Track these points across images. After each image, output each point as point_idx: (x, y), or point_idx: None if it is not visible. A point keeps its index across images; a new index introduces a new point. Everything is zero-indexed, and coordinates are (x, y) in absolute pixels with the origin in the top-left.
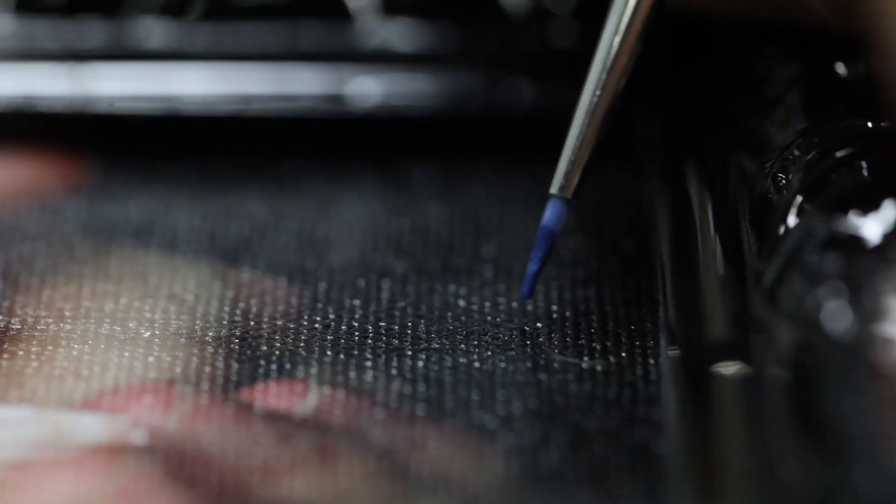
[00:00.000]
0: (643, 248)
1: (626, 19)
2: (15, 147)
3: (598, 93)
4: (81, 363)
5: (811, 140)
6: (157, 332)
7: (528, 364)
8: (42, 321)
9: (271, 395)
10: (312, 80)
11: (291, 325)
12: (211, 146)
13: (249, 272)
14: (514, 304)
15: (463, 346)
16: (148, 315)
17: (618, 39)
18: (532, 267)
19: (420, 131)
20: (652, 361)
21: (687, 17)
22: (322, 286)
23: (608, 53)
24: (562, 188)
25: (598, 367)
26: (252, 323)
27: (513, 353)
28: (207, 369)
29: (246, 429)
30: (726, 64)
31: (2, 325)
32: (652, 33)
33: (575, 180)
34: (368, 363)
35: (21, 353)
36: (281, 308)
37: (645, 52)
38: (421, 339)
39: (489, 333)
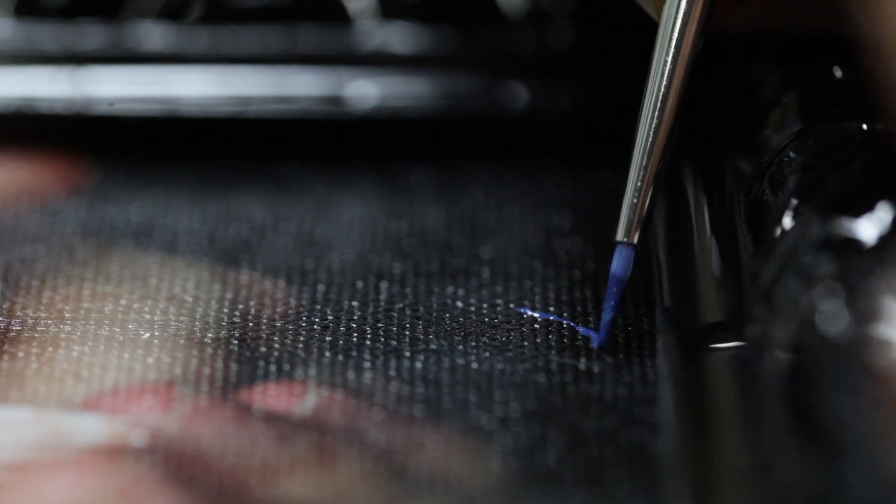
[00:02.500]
0: (640, 248)
1: (670, 60)
2: (15, 149)
3: (651, 135)
4: (81, 364)
5: (807, 142)
6: (157, 334)
7: (526, 365)
8: (42, 322)
9: (270, 396)
10: (311, 83)
11: (290, 327)
12: (210, 148)
13: (248, 273)
14: (512, 306)
15: (461, 347)
16: (147, 316)
17: (665, 81)
18: (607, 317)
19: (418, 133)
20: (649, 362)
21: (728, 37)
22: (320, 287)
23: (657, 95)
24: (627, 234)
25: (595, 368)
26: (251, 324)
27: (510, 354)
28: (207, 370)
29: (245, 429)
30: (722, 66)
31: (2, 326)
32: (698, 66)
33: (638, 224)
34: (367, 364)
35: (21, 354)
36: (280, 309)
37: (693, 84)
38: (419, 340)
39: (487, 334)
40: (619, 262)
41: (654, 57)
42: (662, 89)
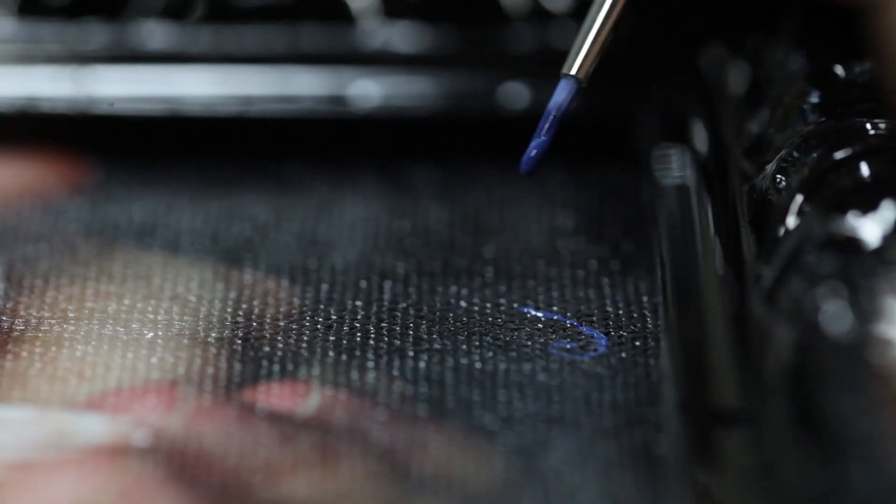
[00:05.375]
0: (643, 248)
1: None
2: (18, 148)
3: None
4: (84, 364)
5: (810, 141)
6: (160, 333)
7: (529, 365)
8: (45, 322)
9: (273, 396)
10: (313, 82)
11: (293, 326)
12: (213, 147)
13: (251, 273)
14: (515, 305)
15: (464, 346)
16: (151, 316)
17: None
18: (537, 143)
19: (420, 132)
20: (652, 362)
21: None
22: (324, 287)
23: None
24: (579, 68)
25: (599, 368)
26: (254, 324)
27: (514, 353)
28: (210, 370)
29: (248, 429)
30: (726, 65)
31: (6, 325)
32: None
33: (590, 62)
34: (370, 364)
35: (24, 353)
36: (283, 309)
37: None
38: (422, 339)
39: (490, 334)
40: (563, 93)
41: None
42: None
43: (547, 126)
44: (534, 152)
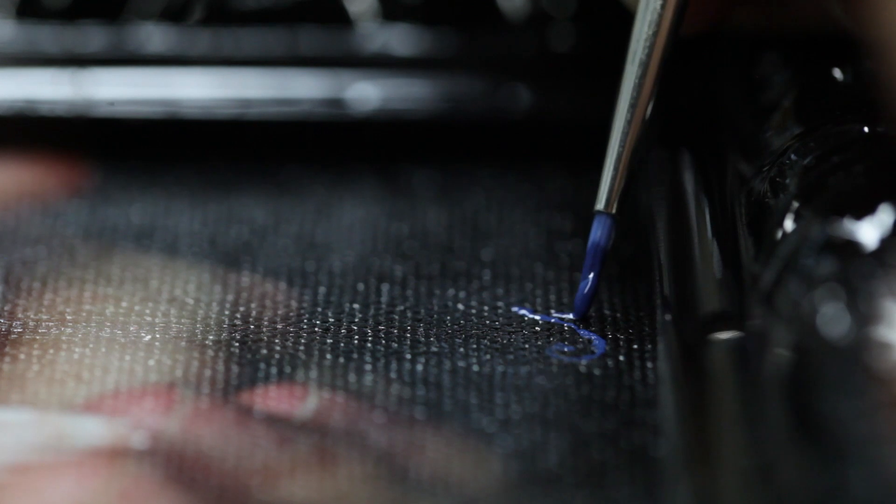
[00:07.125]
0: (641, 251)
1: (651, 33)
2: (16, 151)
3: (632, 106)
4: (82, 366)
5: (808, 144)
6: (158, 336)
7: (527, 367)
8: (43, 324)
9: (271, 399)
10: (312, 85)
11: (291, 329)
12: (211, 150)
13: (249, 276)
14: (513, 308)
15: (462, 349)
16: (148, 318)
17: (647, 51)
18: (585, 286)
19: (419, 135)
20: (650, 364)
21: (722, 30)
22: (321, 290)
23: (639, 67)
24: (607, 204)
25: (597, 371)
26: (252, 326)
27: (511, 356)
28: (208, 372)
29: (246, 432)
30: (724, 68)
31: (3, 328)
32: (677, 37)
33: (618, 195)
34: (368, 366)
35: (22, 356)
36: (281, 312)
37: (674, 56)
38: (420, 342)
39: (488, 337)
40: (600, 232)
41: (635, 29)
42: (643, 59)
43: (591, 264)
44: (586, 291)
